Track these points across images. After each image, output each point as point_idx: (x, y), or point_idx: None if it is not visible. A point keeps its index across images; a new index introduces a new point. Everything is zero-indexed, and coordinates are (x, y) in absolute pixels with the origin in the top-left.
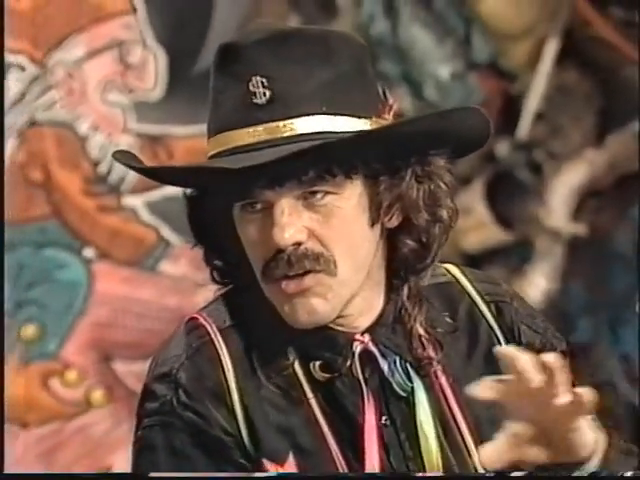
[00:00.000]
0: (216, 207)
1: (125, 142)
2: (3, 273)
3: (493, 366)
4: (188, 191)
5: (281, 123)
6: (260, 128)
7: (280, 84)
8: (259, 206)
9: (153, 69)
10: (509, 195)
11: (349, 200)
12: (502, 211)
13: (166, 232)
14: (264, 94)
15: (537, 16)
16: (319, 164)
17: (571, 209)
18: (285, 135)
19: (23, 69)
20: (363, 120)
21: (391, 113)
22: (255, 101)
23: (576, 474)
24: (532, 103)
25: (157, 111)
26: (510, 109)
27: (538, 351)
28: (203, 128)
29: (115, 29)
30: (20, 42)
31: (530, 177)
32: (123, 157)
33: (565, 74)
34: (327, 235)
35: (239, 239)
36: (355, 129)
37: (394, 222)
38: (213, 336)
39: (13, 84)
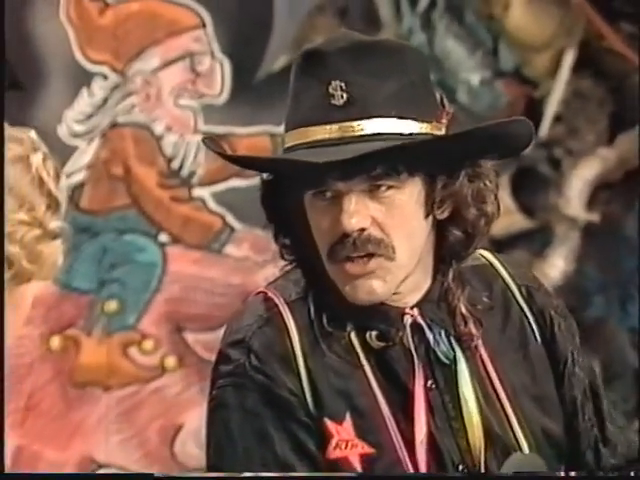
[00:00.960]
0: (289, 192)
1: (194, 141)
2: (3, 267)
3: (525, 341)
4: (265, 176)
5: (355, 123)
6: (335, 126)
7: (356, 89)
8: (329, 194)
9: (219, 77)
10: (532, 187)
11: (409, 194)
12: (525, 201)
13: (230, 219)
14: (342, 97)
15: (556, 30)
16: (388, 162)
17: (586, 199)
18: (357, 134)
19: (106, 78)
20: (425, 124)
21: (447, 118)
22: (333, 102)
23: None
24: (552, 107)
25: (222, 114)
26: (532, 112)
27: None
28: (262, 128)
29: (187, 42)
30: (103, 54)
31: (550, 171)
32: (213, 144)
33: (581, 81)
34: (388, 224)
35: (307, 222)
36: (418, 132)
37: (444, 214)
38: (281, 308)
39: (97, 91)
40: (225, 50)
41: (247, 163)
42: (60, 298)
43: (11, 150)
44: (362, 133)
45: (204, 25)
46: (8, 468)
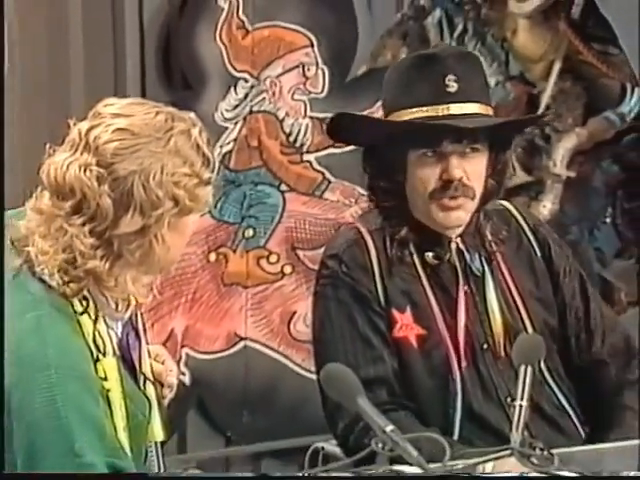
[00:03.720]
0: (393, 152)
1: (305, 122)
2: (3, 260)
3: (532, 260)
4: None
5: (462, 104)
6: (447, 106)
7: (463, 82)
8: (431, 153)
9: (321, 80)
10: (530, 154)
11: (482, 157)
12: (525, 163)
13: (328, 175)
14: (454, 86)
15: (548, 48)
16: (484, 134)
17: (567, 162)
18: (461, 112)
19: (246, 81)
20: (490, 108)
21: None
22: (448, 90)
23: None
24: (544, 100)
25: (323, 104)
26: (531, 104)
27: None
28: (351, 110)
29: (300, 56)
30: (244, 65)
31: (543, 143)
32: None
33: (564, 83)
34: (472, 176)
35: (404, 174)
36: (486, 113)
37: (491, 170)
38: (364, 234)
39: (240, 90)
40: (325, 62)
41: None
42: (215, 227)
43: (178, 126)
44: (464, 112)
45: (312, 44)
46: (179, 344)
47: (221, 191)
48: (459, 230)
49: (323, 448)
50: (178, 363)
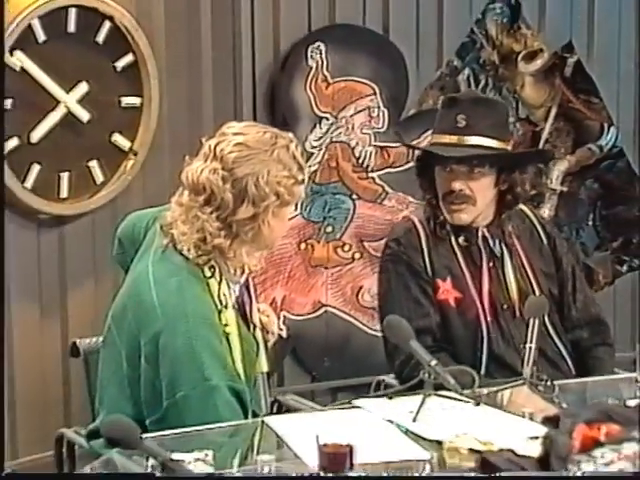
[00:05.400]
0: (429, 166)
1: (370, 150)
2: (3, 259)
3: (541, 247)
4: (417, 154)
5: (467, 137)
6: (456, 137)
7: (471, 119)
8: (448, 169)
9: (382, 118)
10: (534, 174)
11: (487, 176)
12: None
13: (386, 187)
14: (462, 122)
15: (546, 98)
16: (484, 160)
17: (560, 180)
18: (466, 143)
19: (328, 119)
20: (502, 142)
21: (512, 141)
22: (458, 125)
23: None
24: (544, 136)
25: (383, 136)
26: (534, 139)
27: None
28: (394, 140)
29: (367, 101)
30: (326, 107)
31: (543, 166)
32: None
33: (558, 123)
34: (474, 188)
35: (434, 180)
36: (497, 146)
37: (504, 187)
38: (417, 223)
39: (323, 126)
40: (385, 105)
41: (425, 152)
42: (305, 225)
43: (280, 142)
44: (469, 143)
45: (375, 93)
46: (278, 308)
47: (309, 199)
48: (485, 223)
49: (384, 380)
50: (278, 322)
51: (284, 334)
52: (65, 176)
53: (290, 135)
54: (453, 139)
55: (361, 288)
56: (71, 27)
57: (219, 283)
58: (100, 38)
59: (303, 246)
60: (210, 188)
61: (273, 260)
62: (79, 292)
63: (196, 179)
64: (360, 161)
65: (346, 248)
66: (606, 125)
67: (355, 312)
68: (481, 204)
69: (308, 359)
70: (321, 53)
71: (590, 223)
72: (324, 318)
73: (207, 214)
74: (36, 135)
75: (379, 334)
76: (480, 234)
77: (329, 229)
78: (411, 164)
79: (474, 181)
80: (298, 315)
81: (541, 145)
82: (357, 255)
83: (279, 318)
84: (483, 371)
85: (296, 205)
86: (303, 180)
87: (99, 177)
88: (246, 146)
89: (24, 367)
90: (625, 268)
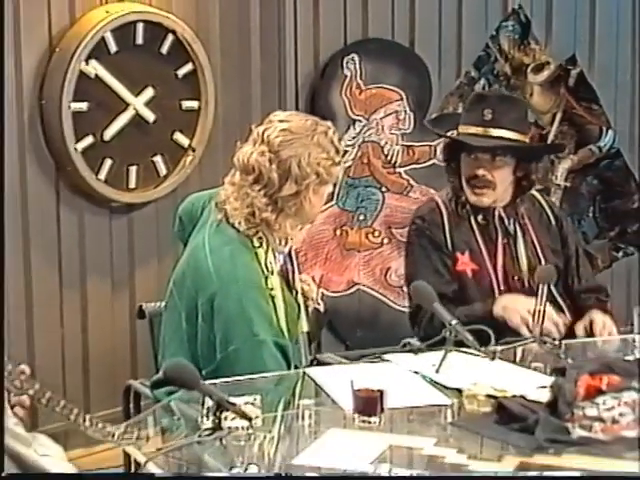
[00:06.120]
0: (456, 153)
1: (397, 148)
2: (3, 259)
3: (549, 226)
4: (445, 142)
5: (491, 129)
6: (482, 129)
7: (497, 113)
8: (473, 157)
9: (408, 120)
10: (542, 171)
11: (507, 164)
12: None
13: (411, 181)
14: (489, 115)
15: (552, 104)
16: (507, 151)
17: (564, 176)
18: (490, 134)
19: (361, 121)
20: (521, 135)
21: (531, 134)
22: (484, 118)
23: None
24: (550, 138)
25: (409, 137)
26: (542, 140)
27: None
28: (426, 142)
29: (395, 106)
30: (359, 111)
31: (550, 165)
32: (436, 124)
33: (563, 127)
34: (497, 176)
35: (459, 166)
36: (517, 138)
37: (520, 174)
38: (439, 203)
39: (357, 127)
40: (411, 109)
41: (453, 139)
42: (340, 213)
43: (319, 128)
44: (494, 134)
45: (402, 99)
46: (317, 286)
47: (344, 191)
48: (501, 204)
49: (409, 342)
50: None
51: (322, 309)
52: (133, 169)
53: (328, 123)
54: (479, 130)
55: (389, 269)
56: (139, 39)
57: (266, 252)
58: (164, 49)
59: (339, 232)
60: (258, 169)
61: (313, 244)
62: (145, 268)
63: (246, 161)
64: (389, 158)
65: (376, 234)
66: (605, 128)
67: (383, 290)
68: (500, 189)
69: (342, 330)
70: (355, 63)
71: (590, 215)
72: (356, 295)
73: (256, 191)
74: (108, 133)
75: (404, 309)
76: (497, 214)
77: (361, 217)
78: (433, 161)
79: (496, 168)
80: (334, 292)
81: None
82: (385, 240)
83: (317, 294)
84: (495, 336)
85: (333, 196)
86: (339, 162)
87: (162, 170)
88: (290, 132)
89: (97, 333)
90: (621, 254)
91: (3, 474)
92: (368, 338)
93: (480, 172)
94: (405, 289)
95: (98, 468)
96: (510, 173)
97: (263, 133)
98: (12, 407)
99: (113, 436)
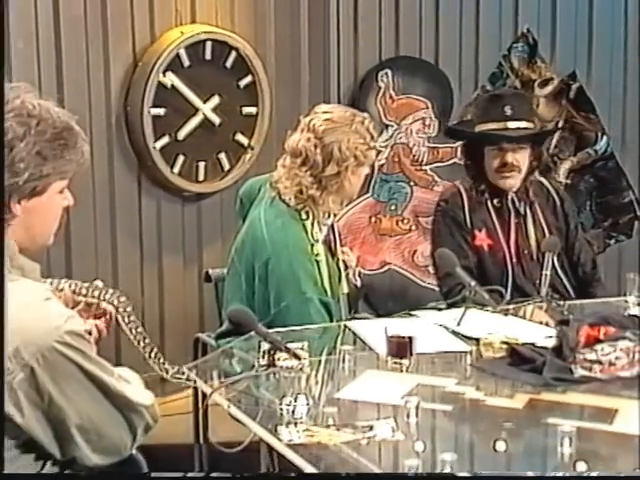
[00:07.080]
0: (477, 148)
1: (423, 150)
2: (3, 258)
3: (555, 208)
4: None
5: (510, 122)
6: (502, 123)
7: (515, 109)
8: (497, 148)
9: (433, 126)
10: (544, 170)
11: (528, 151)
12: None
13: (436, 177)
14: (509, 111)
15: (555, 114)
16: (525, 139)
17: (565, 175)
18: (511, 127)
19: (392, 127)
20: (533, 123)
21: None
22: (506, 114)
23: None
24: (553, 143)
25: (434, 139)
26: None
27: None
28: (448, 145)
29: (422, 113)
30: (391, 117)
31: (553, 165)
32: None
33: (564, 133)
34: (520, 161)
35: (482, 159)
36: (530, 127)
37: (534, 156)
38: (461, 188)
39: (389, 131)
40: (436, 116)
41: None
42: (375, 204)
43: (357, 118)
44: (514, 126)
45: (428, 107)
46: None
47: (378, 184)
48: (514, 189)
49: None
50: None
51: (359, 284)
52: (202, 164)
53: (365, 114)
54: (500, 125)
55: (416, 251)
56: (207, 55)
57: (312, 224)
58: (228, 63)
59: (373, 220)
60: (305, 152)
61: (352, 229)
62: (211, 247)
63: (295, 146)
64: (416, 157)
65: (405, 222)
66: (600, 134)
67: (411, 269)
68: (524, 171)
69: (376, 303)
70: (388, 77)
71: (587, 208)
72: (388, 273)
73: (303, 172)
74: (181, 134)
75: (429, 286)
76: (510, 198)
77: (393, 207)
78: (454, 160)
79: (519, 154)
80: (369, 270)
81: (551, 150)
82: (413, 227)
83: (354, 273)
84: (508, 298)
85: (369, 189)
86: (374, 146)
87: (226, 165)
88: (332, 121)
89: (172, 300)
90: (613, 241)
91: (3, 472)
92: (397, 310)
93: (509, 159)
94: (430, 269)
95: (167, 415)
96: (528, 156)
97: (309, 122)
98: (89, 332)
99: (167, 372)
